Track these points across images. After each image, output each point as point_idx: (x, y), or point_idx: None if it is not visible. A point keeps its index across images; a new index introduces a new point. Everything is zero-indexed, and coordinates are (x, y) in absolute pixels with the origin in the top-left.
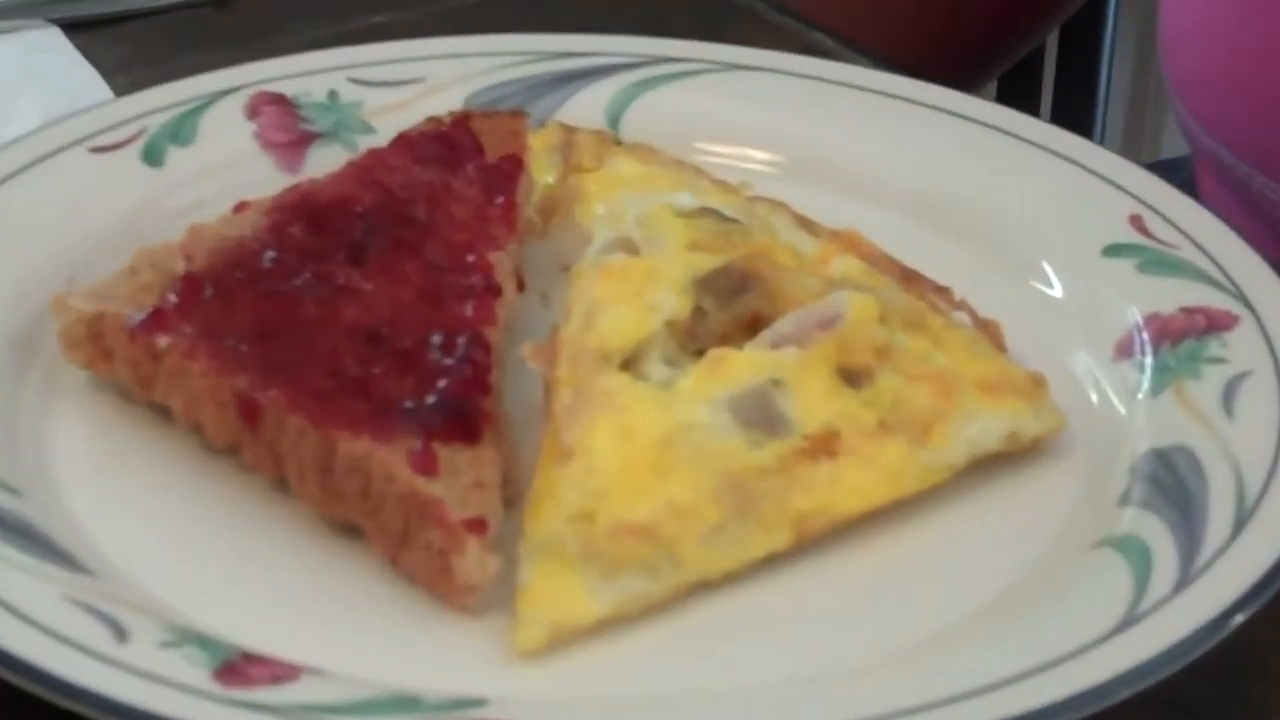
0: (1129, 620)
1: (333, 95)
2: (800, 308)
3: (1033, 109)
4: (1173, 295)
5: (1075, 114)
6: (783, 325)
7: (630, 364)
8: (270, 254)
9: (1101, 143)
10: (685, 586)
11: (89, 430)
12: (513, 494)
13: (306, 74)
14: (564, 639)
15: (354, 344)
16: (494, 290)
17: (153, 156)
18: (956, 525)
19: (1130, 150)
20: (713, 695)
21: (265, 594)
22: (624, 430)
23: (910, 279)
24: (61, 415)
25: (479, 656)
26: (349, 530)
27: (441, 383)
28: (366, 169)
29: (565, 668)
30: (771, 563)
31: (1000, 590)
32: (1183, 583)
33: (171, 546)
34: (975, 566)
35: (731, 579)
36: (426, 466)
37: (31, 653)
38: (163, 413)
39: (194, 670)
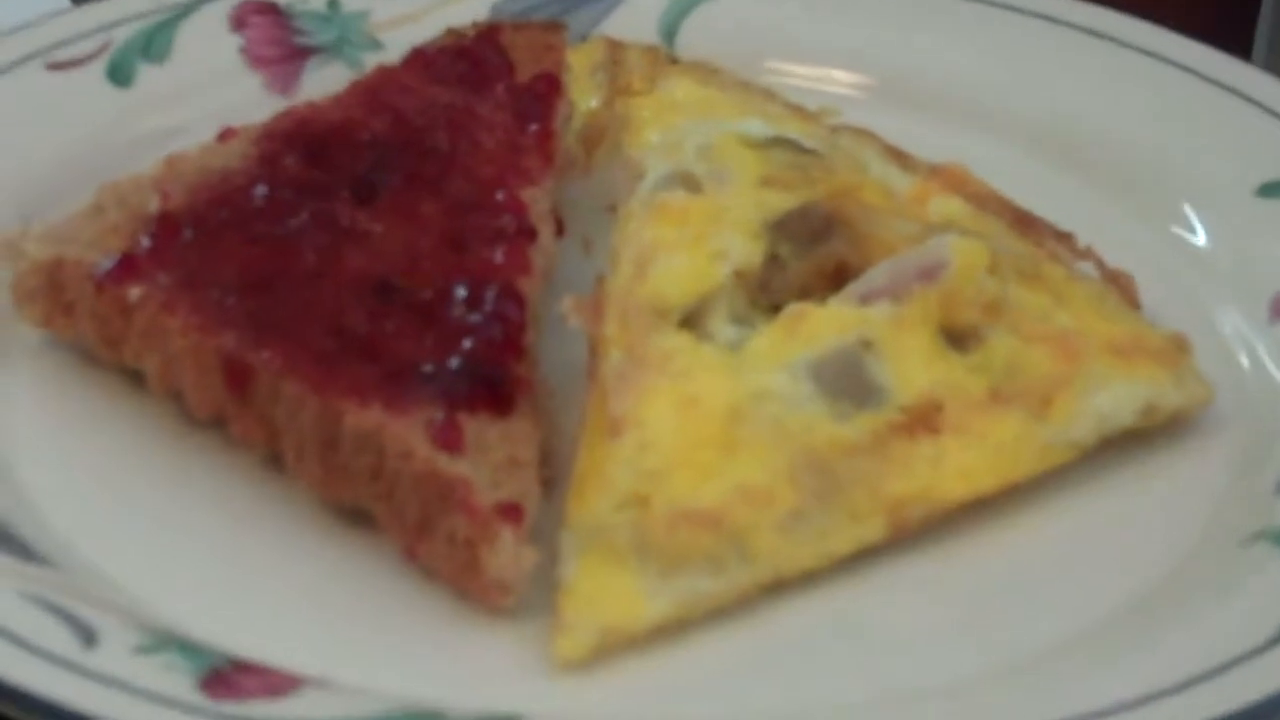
0: None
1: (333, 4)
2: (894, 255)
3: None
4: None
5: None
6: (874, 276)
7: (691, 322)
8: (261, 190)
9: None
10: (757, 586)
11: (46, 399)
12: (552, 474)
13: None
14: (613, 647)
15: (362, 297)
16: (528, 233)
17: (120, 74)
18: (1083, 515)
19: None
20: (789, 717)
21: (258, 593)
22: (685, 400)
23: (1025, 223)
24: (13, 381)
25: (512, 666)
26: (357, 517)
27: (467, 343)
28: (375, 90)
29: (614, 681)
30: (861, 558)
31: (1137, 593)
32: None
33: (147, 536)
34: (1106, 565)
35: (812, 578)
36: (450, 441)
37: None
38: (134, 378)
39: (175, 680)
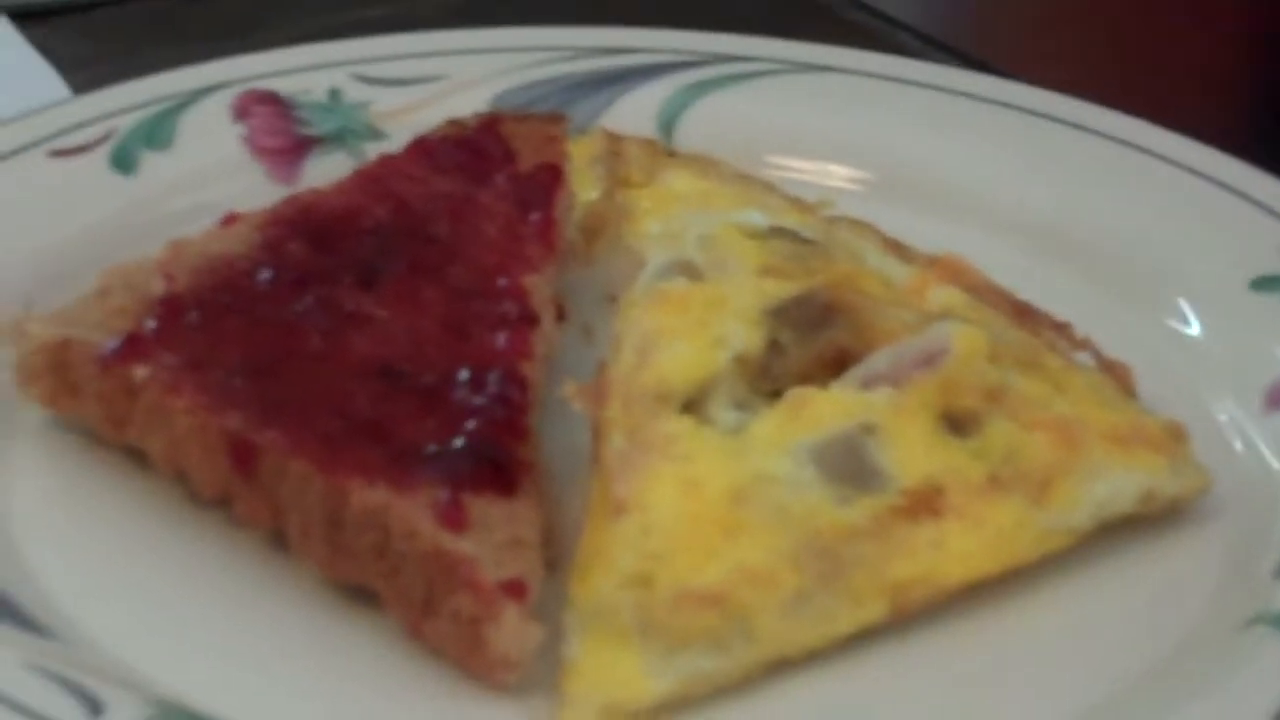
0: None
1: (335, 95)
2: (894, 342)
3: None
4: None
5: None
6: (876, 362)
7: (693, 407)
8: (266, 274)
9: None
10: (760, 665)
11: (51, 477)
12: (555, 556)
13: (303, 70)
14: None
15: (366, 380)
16: (530, 319)
17: (124, 162)
18: (1081, 600)
19: None
20: None
21: (263, 670)
22: (688, 482)
23: (1023, 314)
24: (18, 461)
25: None
26: (361, 596)
27: (470, 424)
28: (378, 178)
29: None
30: (862, 639)
31: (1134, 678)
32: None
33: (152, 614)
34: (1105, 649)
35: (815, 658)
36: (454, 520)
37: None
38: (139, 458)
39: None
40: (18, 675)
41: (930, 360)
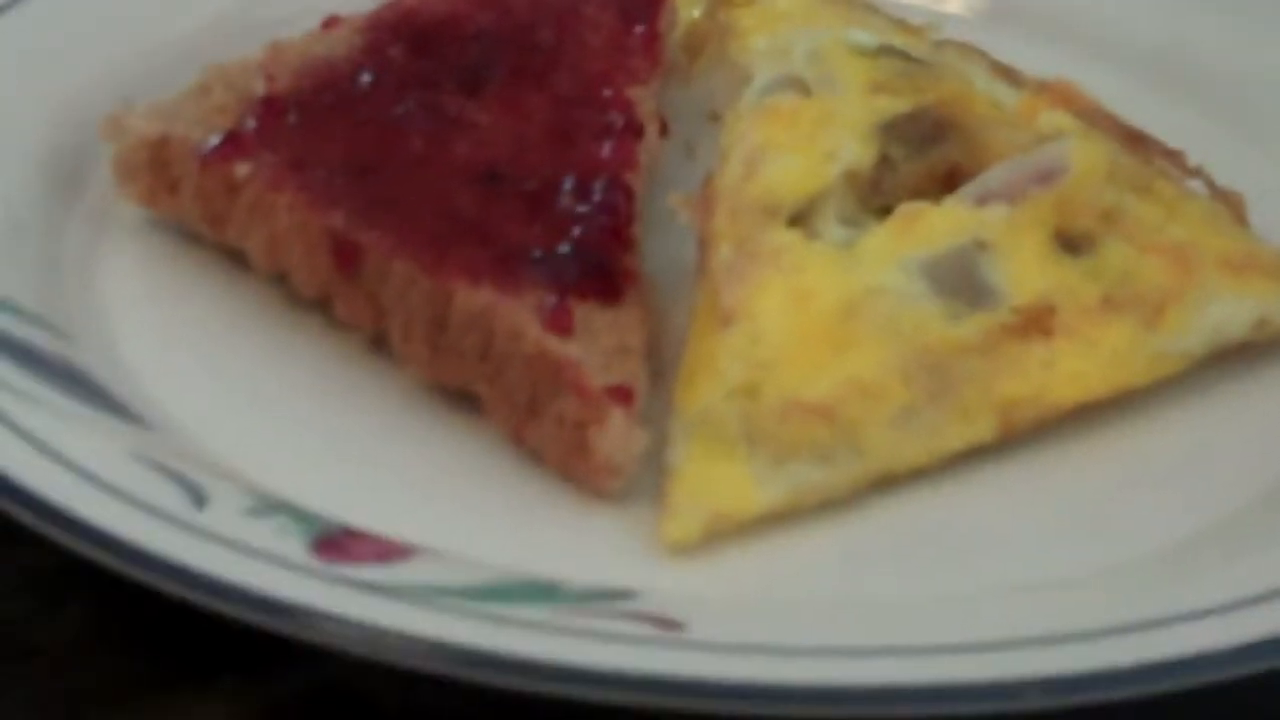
0: None
1: None
2: (1010, 159)
3: None
4: None
5: None
6: (990, 178)
7: (801, 220)
8: (367, 77)
9: None
10: (867, 479)
11: (149, 277)
12: (659, 367)
13: None
14: (722, 532)
15: (470, 183)
16: (635, 130)
17: None
18: (1193, 425)
19: None
20: (893, 605)
21: (364, 471)
22: (797, 293)
23: (1135, 140)
24: (116, 260)
25: (621, 547)
26: (463, 400)
27: (576, 231)
28: None
29: (723, 564)
30: (970, 457)
31: (1244, 505)
32: None
33: (250, 411)
34: (1215, 474)
35: (922, 474)
36: (560, 324)
37: (96, 515)
38: (238, 258)
39: (287, 542)
40: (123, 464)
41: (1047, 178)
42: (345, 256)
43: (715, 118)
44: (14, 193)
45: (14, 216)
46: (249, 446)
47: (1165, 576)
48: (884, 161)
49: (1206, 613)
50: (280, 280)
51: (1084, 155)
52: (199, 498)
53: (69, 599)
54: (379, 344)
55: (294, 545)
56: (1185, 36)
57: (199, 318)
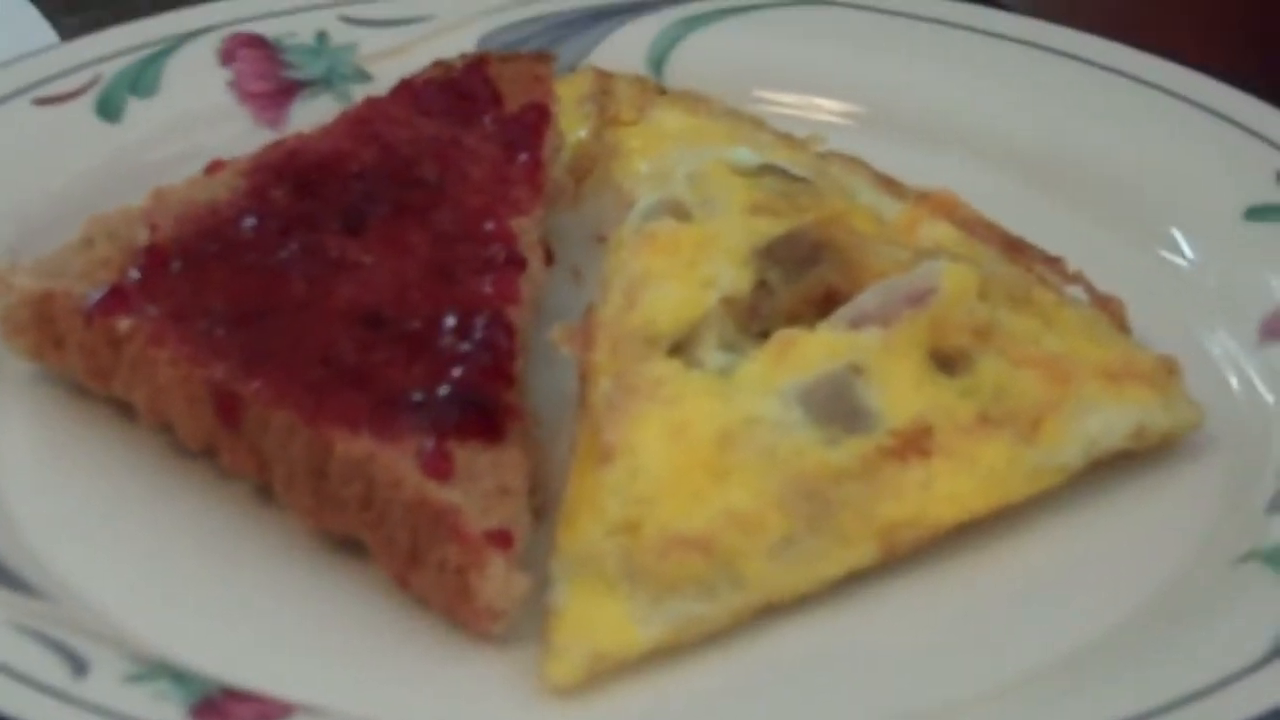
0: None
1: (321, 37)
2: (883, 281)
3: None
4: None
5: None
6: (864, 301)
7: (681, 349)
8: (250, 221)
9: None
10: (749, 610)
11: (36, 431)
12: (542, 502)
13: (289, 12)
14: (605, 672)
15: (351, 327)
16: (517, 262)
17: (109, 109)
18: (1073, 538)
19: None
20: None
21: (249, 621)
22: (675, 426)
23: (1014, 248)
24: (3, 413)
25: (504, 692)
26: (348, 546)
27: (456, 371)
28: (363, 121)
29: (606, 707)
30: (852, 582)
31: (1128, 613)
32: None
33: (137, 567)
34: (1097, 585)
35: (804, 601)
36: (439, 469)
37: None
38: (124, 409)
39: (167, 708)
40: (4, 635)
41: (919, 299)
42: (226, 408)
43: (603, 240)
44: None
45: None
46: (134, 605)
47: (1056, 692)
48: (762, 286)
49: None
50: (166, 431)
51: (954, 275)
52: (80, 666)
53: None
54: (265, 493)
55: (174, 711)
56: (1061, 136)
57: (88, 472)
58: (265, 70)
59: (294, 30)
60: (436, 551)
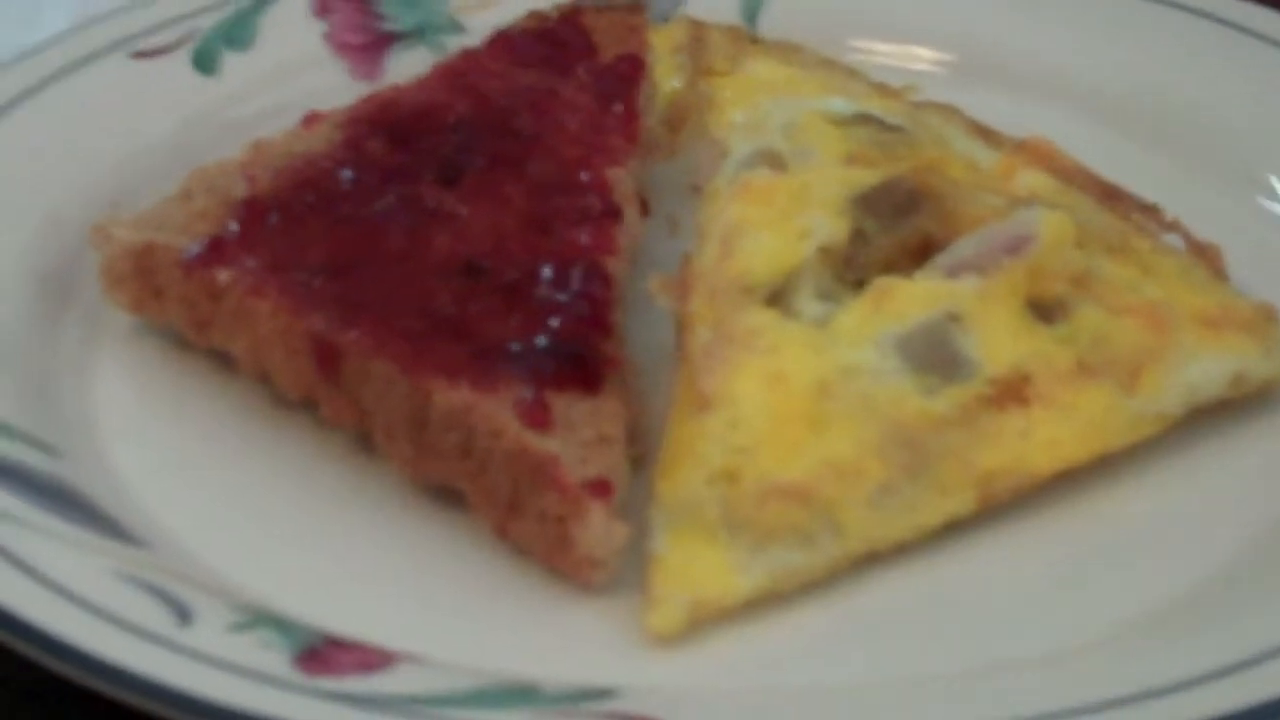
0: None
1: None
2: (980, 229)
3: None
4: None
5: None
6: (961, 249)
7: (778, 298)
8: (347, 174)
9: None
10: (848, 559)
11: (136, 382)
12: (640, 452)
13: None
14: (705, 620)
15: (449, 278)
16: (613, 213)
17: (205, 62)
18: (1171, 487)
19: None
20: (879, 688)
21: (350, 571)
22: (773, 375)
23: (1111, 196)
24: (104, 365)
25: (605, 641)
26: (448, 496)
27: (554, 322)
28: (459, 73)
29: (706, 654)
30: (951, 531)
31: (1224, 565)
32: None
33: (238, 517)
34: (1193, 536)
35: (903, 550)
36: (538, 419)
37: (80, 636)
38: (223, 361)
39: (271, 657)
40: (107, 583)
41: (1016, 247)
42: (326, 359)
43: (698, 190)
44: (3, 306)
45: (4, 329)
46: (236, 554)
47: (1157, 642)
48: (858, 235)
49: (1204, 679)
50: (265, 381)
51: (1052, 223)
52: (184, 615)
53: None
54: (365, 443)
55: (277, 660)
56: (1158, 84)
57: (188, 423)
58: (360, 22)
59: None
60: (536, 501)
